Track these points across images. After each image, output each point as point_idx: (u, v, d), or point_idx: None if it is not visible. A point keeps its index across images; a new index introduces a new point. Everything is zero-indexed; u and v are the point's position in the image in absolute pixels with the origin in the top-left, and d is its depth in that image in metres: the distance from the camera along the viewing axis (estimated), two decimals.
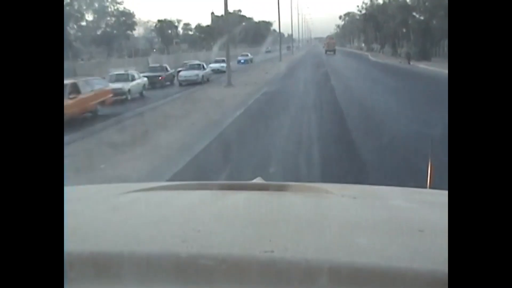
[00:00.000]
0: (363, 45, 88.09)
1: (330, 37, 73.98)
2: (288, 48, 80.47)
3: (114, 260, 0.79)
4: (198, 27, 68.88)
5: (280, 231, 0.91)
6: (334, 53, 60.53)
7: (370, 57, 49.24)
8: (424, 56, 34.80)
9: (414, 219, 1.01)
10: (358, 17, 78.53)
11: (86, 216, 1.07)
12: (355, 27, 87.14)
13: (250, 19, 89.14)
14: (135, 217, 1.05)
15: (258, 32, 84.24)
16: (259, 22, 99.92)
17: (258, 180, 1.49)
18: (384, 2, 52.39)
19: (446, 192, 0.97)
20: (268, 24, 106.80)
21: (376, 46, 65.23)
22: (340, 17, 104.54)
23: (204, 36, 65.82)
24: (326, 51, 63.14)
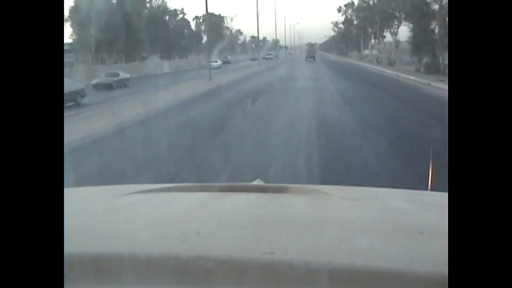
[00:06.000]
0: (376, 53, 51.89)
1: (310, 44, 76.83)
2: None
3: (114, 262, 0.79)
4: None
5: (279, 233, 0.91)
6: (314, 59, 62.57)
7: None
8: None
9: (414, 221, 1.01)
10: (372, 2, 51.39)
11: (86, 217, 1.07)
12: (372, 19, 52.13)
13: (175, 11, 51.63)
14: (135, 219, 1.05)
15: (199, 33, 56.47)
16: (202, 16, 63.09)
17: (257, 182, 1.50)
18: None
19: (446, 194, 0.97)
20: (218, 18, 69.21)
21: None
22: (339, 10, 71.00)
23: None
24: (306, 57, 66.44)
